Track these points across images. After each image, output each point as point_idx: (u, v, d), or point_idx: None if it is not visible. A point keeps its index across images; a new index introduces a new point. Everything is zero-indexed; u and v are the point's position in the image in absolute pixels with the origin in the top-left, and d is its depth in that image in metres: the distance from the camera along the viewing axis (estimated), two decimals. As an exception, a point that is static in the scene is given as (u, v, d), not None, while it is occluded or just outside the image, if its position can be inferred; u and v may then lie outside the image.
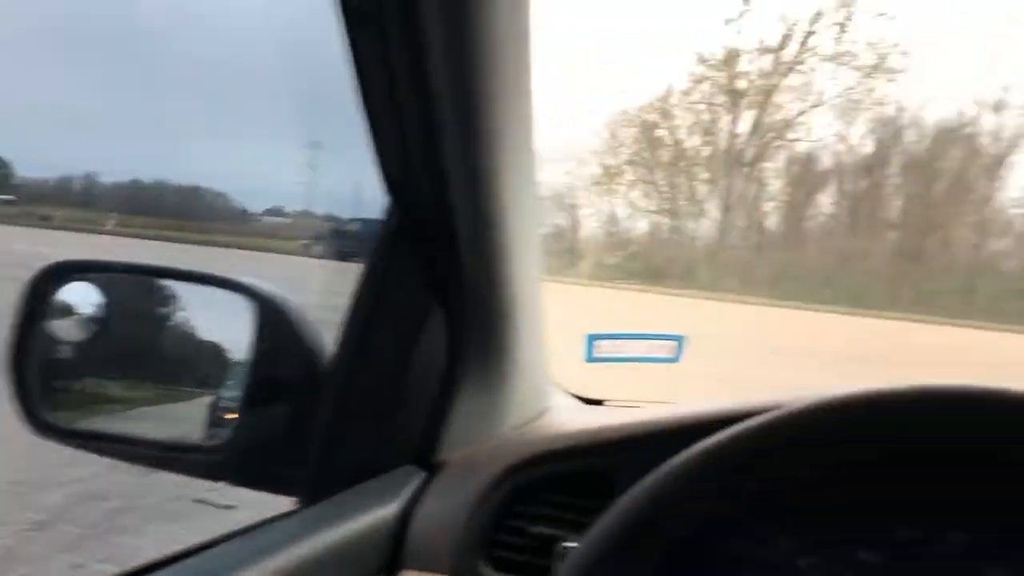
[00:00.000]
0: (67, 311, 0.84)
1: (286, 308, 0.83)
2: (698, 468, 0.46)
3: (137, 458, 0.95)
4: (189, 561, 0.62)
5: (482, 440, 0.87)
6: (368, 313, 0.81)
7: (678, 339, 0.97)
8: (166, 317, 0.89)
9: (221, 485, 3.21)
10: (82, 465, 4.17)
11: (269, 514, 0.68)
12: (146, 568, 0.61)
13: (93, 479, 4.00)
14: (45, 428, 0.83)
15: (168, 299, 0.89)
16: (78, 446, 0.85)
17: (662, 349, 0.96)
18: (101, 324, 0.84)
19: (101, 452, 0.87)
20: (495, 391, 0.89)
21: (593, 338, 0.96)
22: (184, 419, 0.86)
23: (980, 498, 0.51)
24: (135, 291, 0.89)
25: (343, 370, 0.81)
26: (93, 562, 3.11)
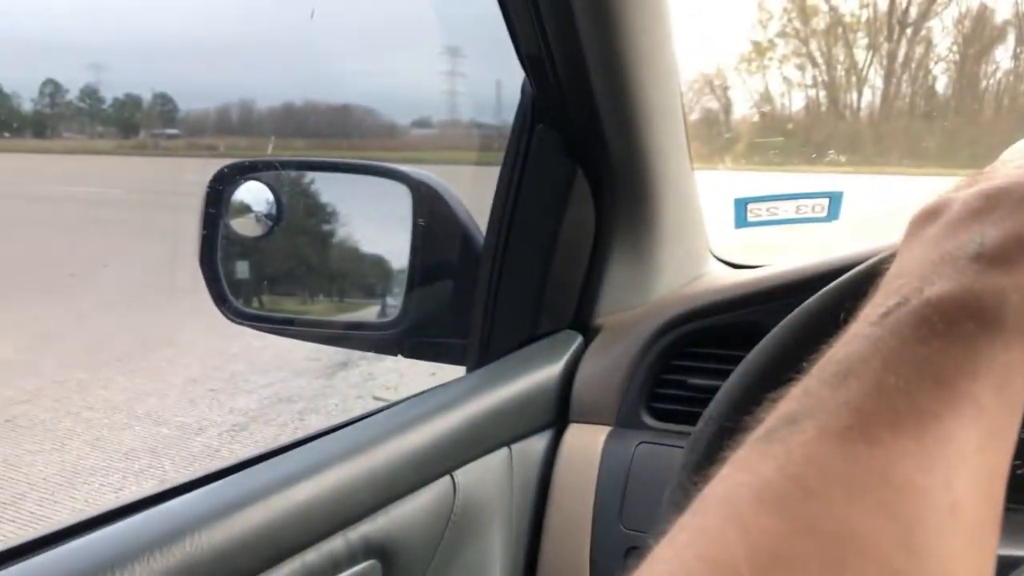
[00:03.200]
0: (244, 209, 0.91)
1: (440, 190, 0.87)
2: (831, 301, 0.46)
3: (318, 338, 1.05)
4: (374, 418, 0.68)
5: (635, 304, 0.89)
6: (515, 188, 0.83)
7: (835, 196, 0.94)
8: (331, 207, 0.96)
9: (396, 384, 3.41)
10: (270, 372, 4.53)
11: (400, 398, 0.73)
12: (360, 418, 0.68)
13: (280, 384, 4.34)
14: (237, 314, 0.92)
15: (331, 189, 0.96)
16: (266, 329, 0.94)
17: (817, 208, 0.94)
18: (274, 218, 0.92)
19: (285, 334, 0.95)
20: (646, 259, 0.91)
21: (743, 202, 0.95)
22: (356, 299, 0.93)
23: None
24: (301, 184, 0.95)
25: (498, 245, 0.84)
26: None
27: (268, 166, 0.96)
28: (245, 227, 0.92)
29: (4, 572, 0.48)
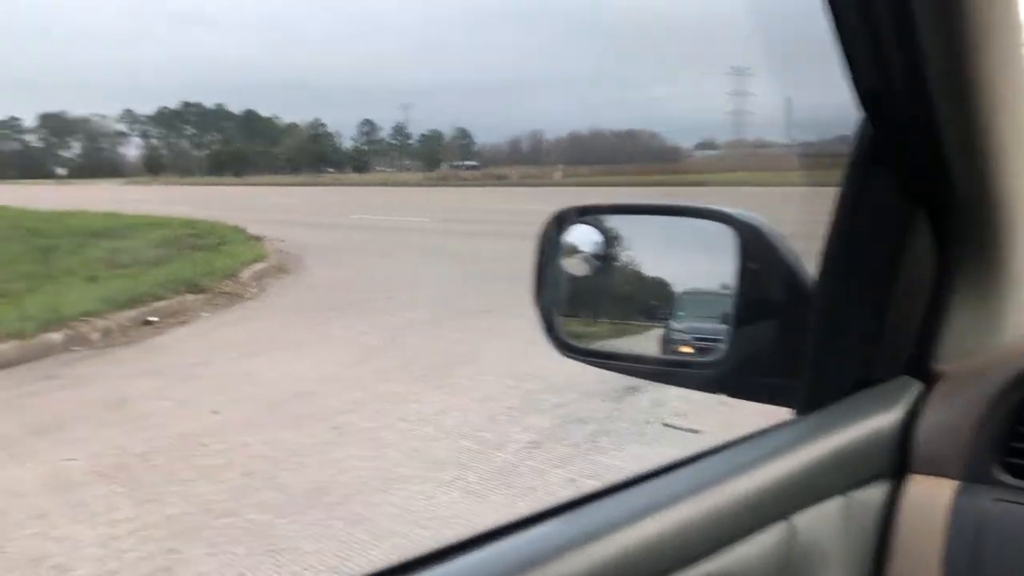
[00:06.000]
0: (573, 249, 0.98)
1: (764, 230, 0.87)
2: None
3: (641, 374, 1.09)
4: (712, 458, 0.70)
5: (980, 350, 0.83)
6: (849, 228, 0.82)
7: None
8: (655, 248, 0.99)
9: (686, 412, 3.39)
10: (561, 393, 4.69)
11: (731, 438, 0.73)
12: (667, 467, 0.70)
13: (571, 404, 4.49)
14: (565, 348, 0.98)
15: (656, 232, 1.00)
16: (593, 364, 0.99)
17: None
18: (602, 259, 0.97)
19: (611, 368, 1.00)
20: (991, 302, 0.85)
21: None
22: (678, 338, 0.96)
23: None
24: (628, 227, 1.00)
25: (829, 284, 0.83)
26: (583, 477, 3.49)
27: (598, 210, 1.02)
28: (574, 266, 0.98)
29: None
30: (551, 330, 0.99)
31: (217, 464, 3.75)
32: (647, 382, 4.84)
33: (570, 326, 1.00)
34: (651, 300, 1.02)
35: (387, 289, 8.73)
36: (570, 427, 4.14)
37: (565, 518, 0.61)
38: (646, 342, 1.01)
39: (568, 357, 0.98)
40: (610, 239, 0.98)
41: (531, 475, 3.54)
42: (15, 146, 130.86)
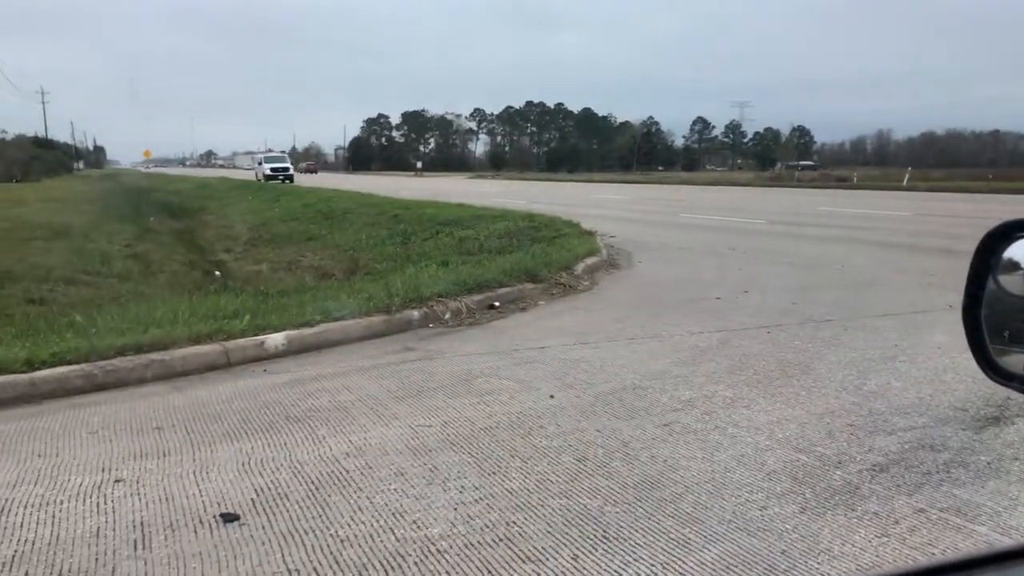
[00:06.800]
0: (1014, 266, 0.87)
1: None
2: None
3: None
4: None
5: None
6: None
7: None
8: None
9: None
10: (911, 415, 4.31)
11: None
12: None
13: (922, 429, 4.10)
14: (998, 373, 0.88)
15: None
16: (1025, 391, 0.89)
17: None
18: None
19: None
20: None
21: None
22: None
23: None
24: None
25: None
26: (935, 509, 3.18)
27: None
28: (1014, 285, 0.88)
29: None
30: (982, 350, 0.89)
31: (554, 446, 3.93)
32: (1017, 412, 4.29)
33: (1009, 348, 0.89)
34: None
35: (717, 290, 8.60)
36: (920, 453, 3.79)
37: None
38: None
39: (1000, 383, 0.88)
40: None
41: (874, 499, 3.29)
42: (381, 141, 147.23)
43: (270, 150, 77.68)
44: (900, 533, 3.01)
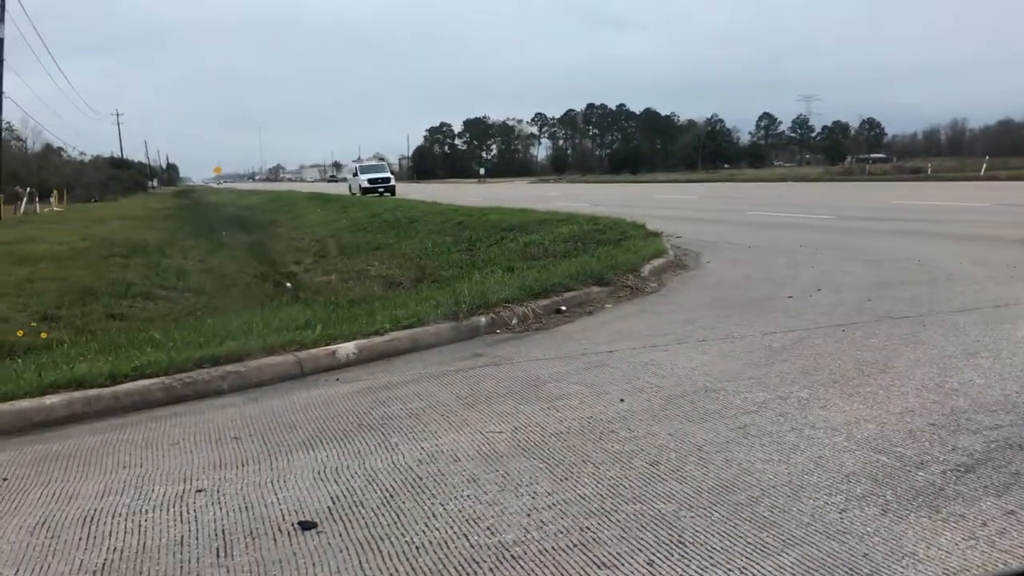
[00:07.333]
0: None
1: None
2: None
3: None
4: None
5: None
6: None
7: None
8: None
9: None
10: (996, 414, 4.16)
11: None
12: None
13: (1009, 427, 3.95)
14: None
15: None
16: None
17: None
18: None
19: None
20: None
21: None
22: None
23: None
24: None
25: None
26: (1026, 511, 3.06)
27: None
28: None
29: None
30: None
31: (625, 450, 3.91)
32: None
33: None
34: None
35: (789, 288, 8.43)
36: (1008, 452, 3.65)
37: None
38: None
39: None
40: None
41: (960, 501, 3.18)
42: (444, 149, 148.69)
43: (360, 159, 67.71)
44: (989, 536, 2.90)
